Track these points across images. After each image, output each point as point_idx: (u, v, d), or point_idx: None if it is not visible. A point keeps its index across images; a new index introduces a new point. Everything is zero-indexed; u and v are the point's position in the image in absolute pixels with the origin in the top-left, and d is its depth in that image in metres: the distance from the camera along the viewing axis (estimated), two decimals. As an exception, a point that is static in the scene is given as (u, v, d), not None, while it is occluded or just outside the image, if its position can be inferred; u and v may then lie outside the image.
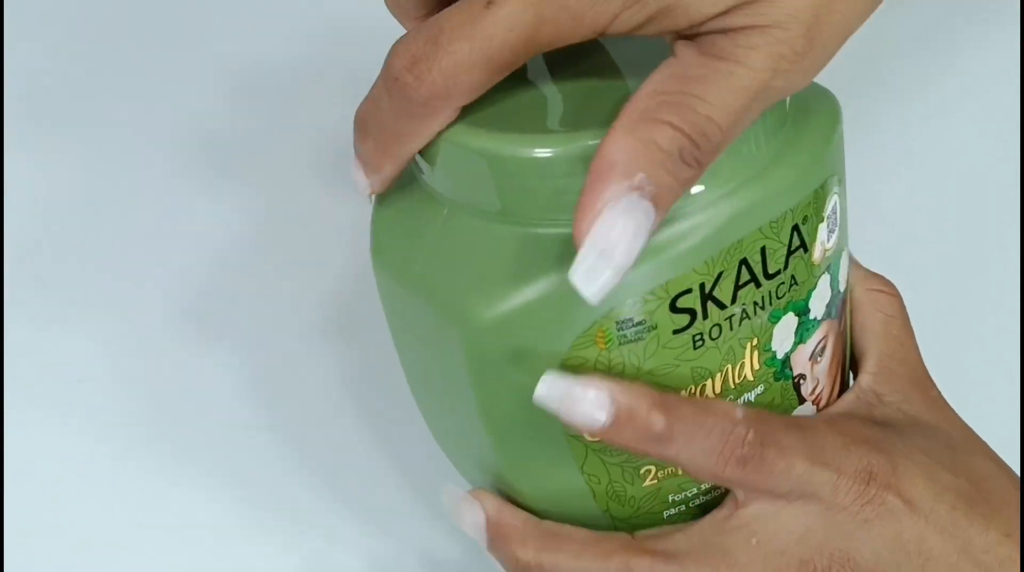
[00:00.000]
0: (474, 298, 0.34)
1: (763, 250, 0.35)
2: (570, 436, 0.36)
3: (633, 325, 0.34)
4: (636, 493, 0.38)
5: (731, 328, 0.36)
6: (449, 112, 0.33)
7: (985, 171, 0.60)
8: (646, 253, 0.31)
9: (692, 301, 0.34)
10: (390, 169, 0.35)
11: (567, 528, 0.38)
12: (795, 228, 0.35)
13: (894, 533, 0.36)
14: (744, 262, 0.35)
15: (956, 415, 0.40)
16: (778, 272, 0.36)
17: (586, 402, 0.34)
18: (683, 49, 0.31)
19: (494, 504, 0.39)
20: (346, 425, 0.50)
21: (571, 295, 0.31)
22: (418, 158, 0.35)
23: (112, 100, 0.63)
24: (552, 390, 0.34)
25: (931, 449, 0.38)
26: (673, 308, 0.34)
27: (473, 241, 0.34)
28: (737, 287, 0.35)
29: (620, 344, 0.34)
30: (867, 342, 0.41)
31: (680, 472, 0.37)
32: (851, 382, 0.41)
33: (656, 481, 0.38)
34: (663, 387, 0.35)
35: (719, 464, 0.35)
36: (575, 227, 0.30)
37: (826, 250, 0.37)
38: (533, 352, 0.34)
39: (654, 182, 0.30)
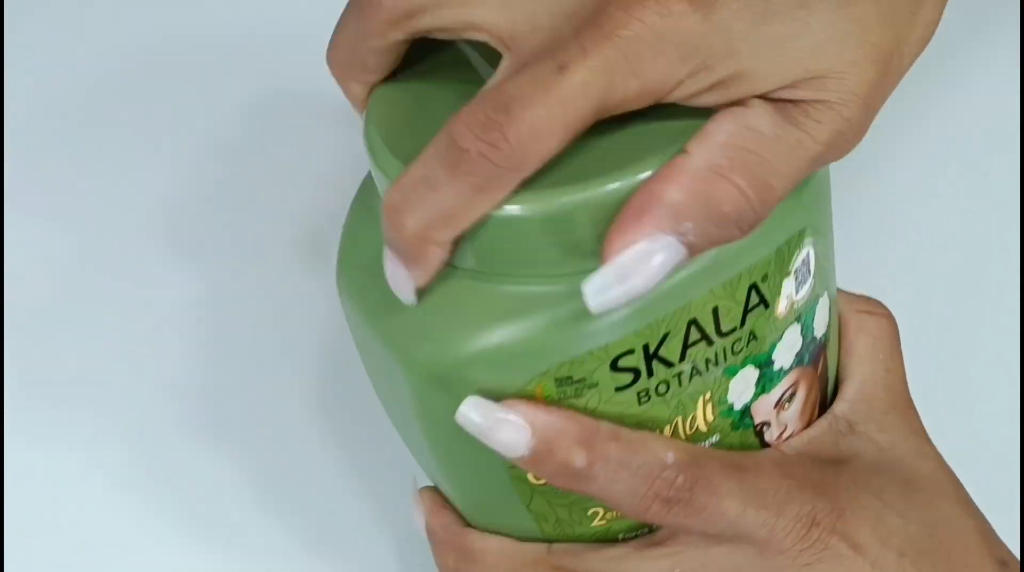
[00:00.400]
0: (421, 345, 0.33)
1: (715, 310, 0.33)
2: (515, 477, 0.36)
3: (572, 383, 0.33)
4: (584, 532, 0.37)
5: (680, 384, 0.34)
6: (516, 184, 0.30)
7: (984, 172, 0.58)
8: (583, 316, 0.31)
9: (635, 361, 0.33)
10: (440, 256, 0.32)
11: (485, 539, 0.38)
12: (753, 287, 0.33)
13: None
14: (693, 322, 0.33)
15: (932, 450, 0.39)
16: (733, 329, 0.34)
17: (506, 431, 0.33)
18: (759, 106, 0.31)
19: (430, 507, 0.39)
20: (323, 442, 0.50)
21: (516, 350, 0.31)
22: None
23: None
24: (472, 413, 0.33)
25: (886, 490, 0.37)
26: (614, 367, 0.33)
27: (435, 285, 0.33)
28: (686, 346, 0.33)
29: (560, 399, 0.33)
30: (850, 366, 0.39)
31: None
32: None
33: (604, 522, 0.37)
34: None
35: (643, 505, 0.34)
36: (606, 243, 0.30)
37: (794, 302, 0.35)
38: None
39: (699, 234, 0.30)
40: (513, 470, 0.35)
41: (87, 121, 0.60)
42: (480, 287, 0.32)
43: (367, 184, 0.37)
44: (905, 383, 0.39)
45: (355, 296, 0.35)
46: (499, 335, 0.32)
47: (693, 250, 0.30)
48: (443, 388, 0.33)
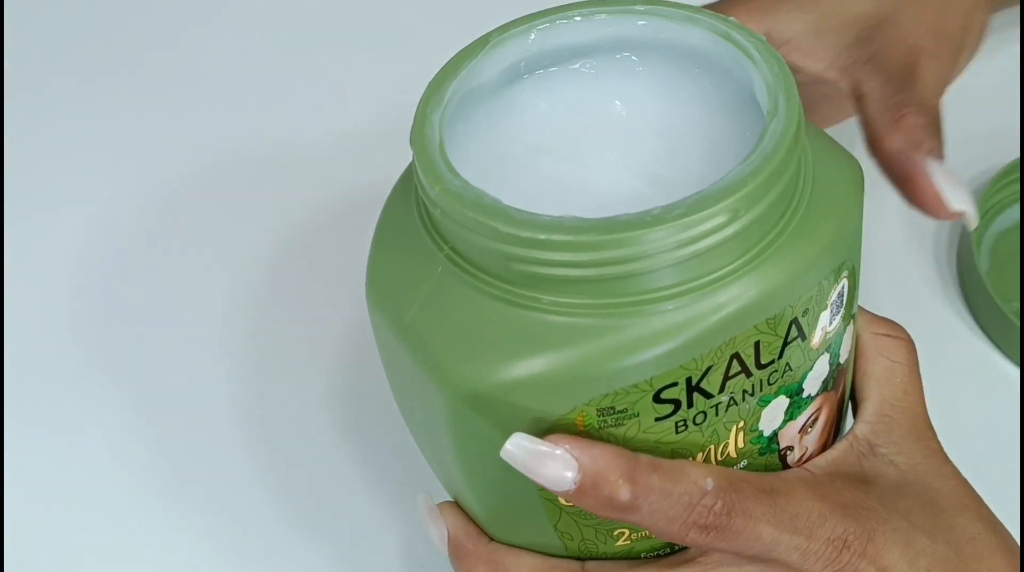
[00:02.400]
0: (461, 366, 0.33)
1: (757, 344, 0.33)
2: (544, 497, 0.36)
3: (614, 413, 0.33)
4: (608, 551, 0.38)
5: (716, 414, 0.34)
6: None
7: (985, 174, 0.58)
8: (632, 350, 0.32)
9: (677, 393, 0.33)
10: None
11: (518, 554, 0.38)
12: (794, 321, 0.34)
13: None
14: (736, 356, 0.33)
15: (952, 469, 0.40)
16: (771, 362, 0.34)
17: (552, 467, 0.33)
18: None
19: (455, 523, 0.39)
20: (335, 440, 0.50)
21: (560, 380, 0.32)
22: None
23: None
24: (518, 450, 0.33)
25: (912, 511, 0.37)
26: (657, 399, 0.33)
27: (465, 306, 0.33)
28: (726, 378, 0.34)
29: (600, 428, 0.34)
30: (869, 388, 0.40)
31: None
32: (847, 425, 0.40)
33: (629, 542, 0.37)
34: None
35: (682, 530, 0.34)
36: (922, 193, 0.40)
37: (827, 333, 0.35)
38: (513, 426, 0.33)
39: (930, 147, 0.40)
40: (543, 492, 0.35)
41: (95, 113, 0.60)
42: (527, 315, 0.32)
43: (396, 202, 0.37)
44: (923, 405, 0.40)
45: (387, 313, 0.35)
46: (544, 363, 0.32)
47: (936, 156, 0.40)
48: (481, 410, 0.33)
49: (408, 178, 0.37)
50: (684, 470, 0.34)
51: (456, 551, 0.39)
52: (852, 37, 0.43)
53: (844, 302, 0.36)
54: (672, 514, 0.34)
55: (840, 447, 0.39)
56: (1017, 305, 0.51)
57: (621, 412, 0.33)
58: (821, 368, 0.36)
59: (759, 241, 0.32)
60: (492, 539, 0.39)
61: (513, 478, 0.34)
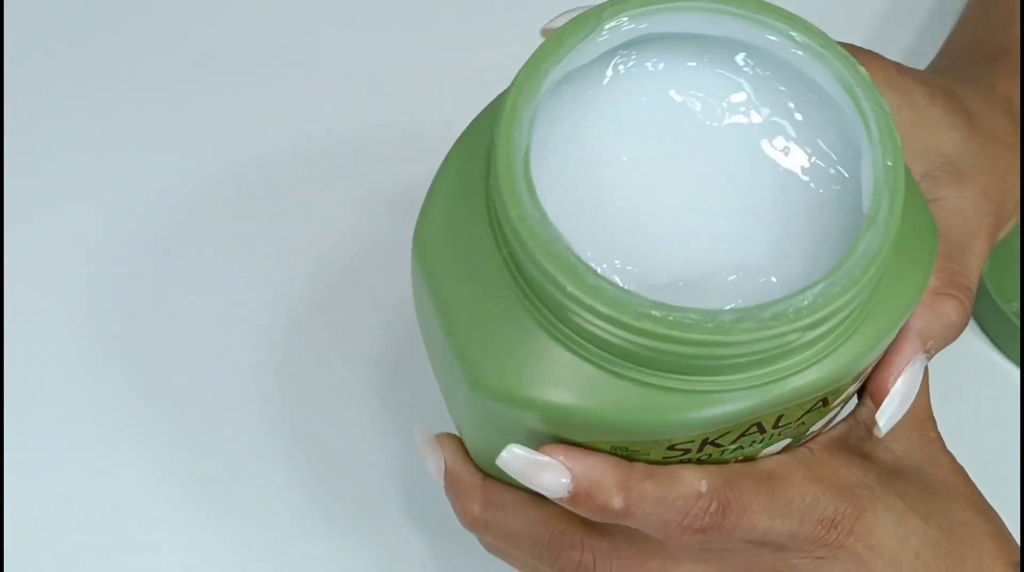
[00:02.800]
0: (490, 372, 0.32)
1: (779, 416, 0.33)
2: None
3: (627, 451, 0.34)
4: None
5: (722, 454, 0.34)
6: None
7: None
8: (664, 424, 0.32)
9: (690, 445, 0.34)
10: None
11: (515, 490, 0.39)
12: (823, 399, 0.34)
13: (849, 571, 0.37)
14: (756, 424, 0.33)
15: (949, 458, 0.40)
16: (788, 424, 0.34)
17: (546, 476, 0.34)
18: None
19: (453, 457, 0.39)
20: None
21: (582, 420, 0.32)
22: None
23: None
24: (515, 460, 0.34)
25: (908, 492, 0.38)
26: (670, 448, 0.34)
27: (509, 314, 0.32)
28: (740, 437, 0.34)
29: (608, 450, 0.34)
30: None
31: None
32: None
33: None
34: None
35: (677, 532, 0.35)
36: (878, 381, 0.36)
37: (849, 393, 0.35)
38: (527, 429, 0.34)
39: (936, 344, 0.37)
40: None
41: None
42: (566, 356, 0.32)
43: (465, 154, 0.34)
44: (927, 395, 0.41)
45: (429, 277, 0.33)
46: (571, 400, 0.32)
47: (931, 356, 0.37)
48: (502, 406, 0.33)
49: (480, 134, 0.34)
50: (678, 475, 0.34)
51: (452, 483, 0.39)
52: (924, 168, 0.41)
53: (879, 358, 0.36)
54: (667, 518, 0.34)
55: (841, 428, 0.39)
56: (1017, 305, 0.51)
57: (634, 451, 0.34)
58: (831, 416, 0.36)
59: (824, 344, 0.32)
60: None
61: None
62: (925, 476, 0.39)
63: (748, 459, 0.36)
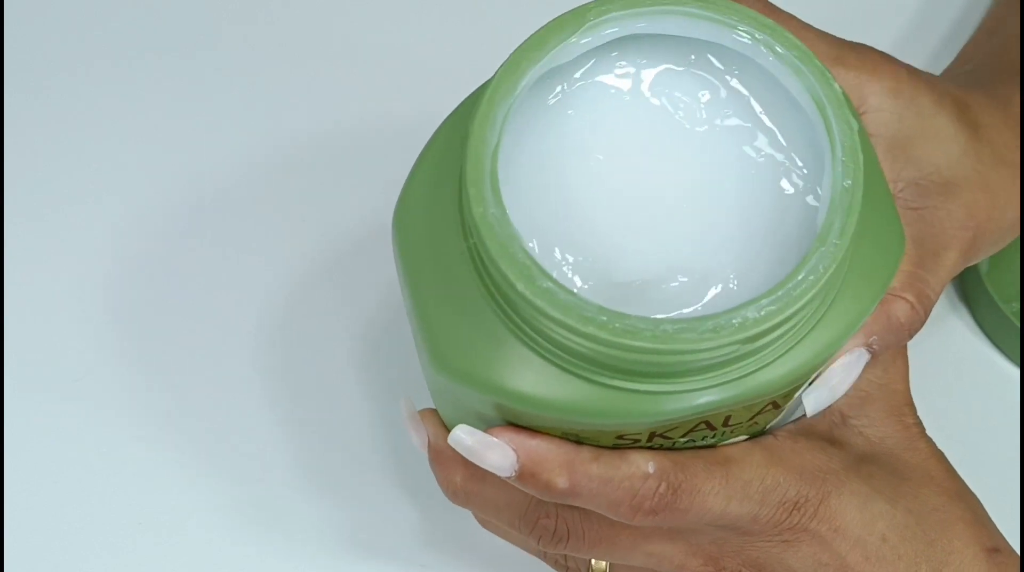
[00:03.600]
0: (454, 350, 0.33)
1: (728, 417, 0.34)
2: None
3: (577, 437, 0.35)
4: None
5: (673, 448, 0.35)
6: None
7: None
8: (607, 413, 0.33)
9: (638, 435, 0.35)
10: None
11: None
12: (772, 402, 0.34)
13: (813, 554, 0.37)
14: (705, 422, 0.34)
15: (926, 444, 0.41)
16: (739, 423, 0.35)
17: (493, 454, 0.35)
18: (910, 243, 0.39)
19: (435, 432, 0.40)
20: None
21: (536, 407, 0.33)
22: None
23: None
24: (465, 437, 0.36)
25: (875, 476, 0.38)
26: (619, 437, 0.35)
27: (472, 302, 0.33)
28: (690, 432, 0.35)
29: (561, 437, 0.35)
30: None
31: None
32: None
33: None
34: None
35: (628, 513, 0.36)
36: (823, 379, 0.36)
37: (803, 391, 0.36)
38: (483, 412, 0.35)
39: (881, 343, 0.37)
40: None
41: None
42: (520, 348, 0.33)
43: (448, 136, 0.35)
44: (906, 381, 0.41)
45: (407, 246, 0.34)
46: (522, 388, 0.33)
47: (875, 355, 0.37)
48: (460, 386, 0.34)
49: (461, 122, 0.34)
50: (626, 457, 0.35)
51: (436, 456, 0.40)
52: (913, 175, 0.41)
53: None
54: (615, 498, 0.35)
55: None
56: (1017, 305, 0.51)
57: (585, 437, 0.35)
58: (789, 410, 0.37)
59: (769, 352, 0.33)
60: None
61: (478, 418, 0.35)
62: (899, 461, 0.39)
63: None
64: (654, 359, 0.31)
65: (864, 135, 0.35)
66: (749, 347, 0.31)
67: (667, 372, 0.32)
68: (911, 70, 0.41)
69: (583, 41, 0.33)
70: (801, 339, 0.33)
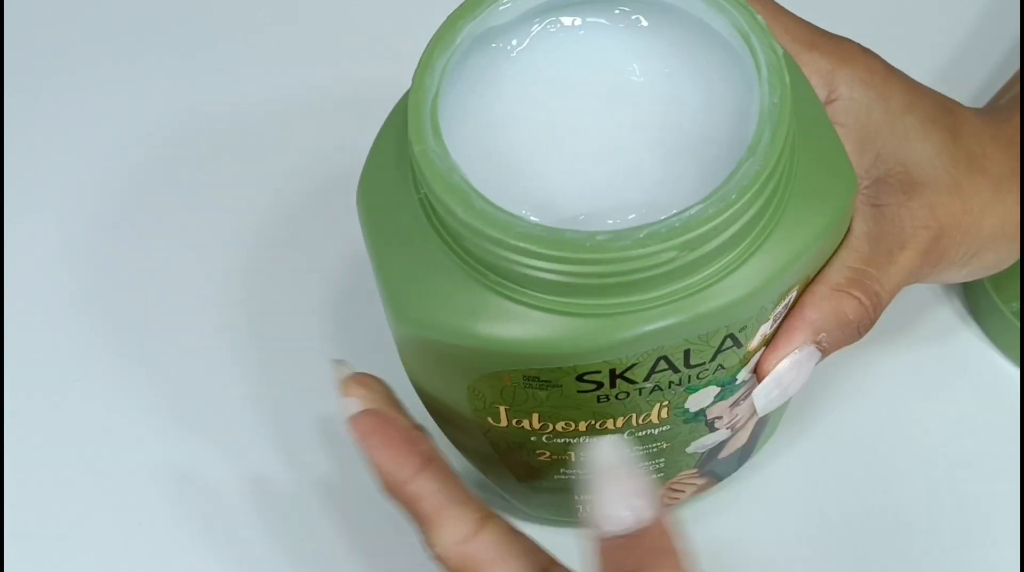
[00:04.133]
0: (414, 302, 0.35)
1: (687, 352, 0.34)
2: (475, 409, 0.37)
3: (539, 381, 0.35)
4: (532, 461, 0.40)
5: (640, 395, 0.35)
6: None
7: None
8: (557, 347, 0.33)
9: (600, 377, 0.35)
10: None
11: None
12: (729, 336, 0.35)
13: None
14: (663, 358, 0.34)
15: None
16: (702, 364, 0.35)
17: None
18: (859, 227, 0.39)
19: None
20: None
21: (495, 348, 0.34)
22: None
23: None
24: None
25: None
26: (580, 379, 0.35)
27: (428, 252, 0.34)
28: (652, 373, 0.35)
29: (525, 387, 0.36)
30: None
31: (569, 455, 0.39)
32: None
33: (548, 459, 0.40)
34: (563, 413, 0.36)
35: None
36: (764, 361, 0.37)
37: (766, 336, 0.36)
38: (447, 361, 0.36)
39: (831, 341, 0.38)
40: (473, 404, 0.37)
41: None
42: (477, 289, 0.34)
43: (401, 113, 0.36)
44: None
45: (372, 212, 0.36)
46: (484, 330, 0.34)
47: (826, 353, 0.38)
48: (421, 333, 0.35)
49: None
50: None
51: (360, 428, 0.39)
52: (881, 173, 0.40)
53: (789, 306, 0.37)
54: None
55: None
56: (1017, 305, 0.51)
57: (546, 381, 0.35)
58: (757, 359, 0.37)
59: (711, 271, 0.33)
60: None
61: (446, 379, 0.37)
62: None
63: (674, 408, 0.36)
64: (593, 270, 0.31)
65: (790, 60, 0.36)
66: (689, 256, 0.32)
67: (611, 287, 0.32)
68: (890, 68, 0.41)
69: (516, 3, 0.35)
70: (747, 259, 0.33)
